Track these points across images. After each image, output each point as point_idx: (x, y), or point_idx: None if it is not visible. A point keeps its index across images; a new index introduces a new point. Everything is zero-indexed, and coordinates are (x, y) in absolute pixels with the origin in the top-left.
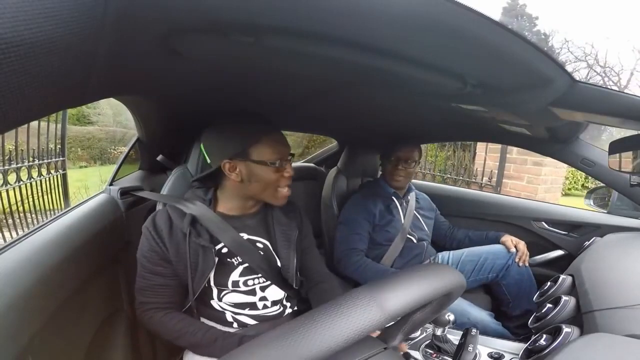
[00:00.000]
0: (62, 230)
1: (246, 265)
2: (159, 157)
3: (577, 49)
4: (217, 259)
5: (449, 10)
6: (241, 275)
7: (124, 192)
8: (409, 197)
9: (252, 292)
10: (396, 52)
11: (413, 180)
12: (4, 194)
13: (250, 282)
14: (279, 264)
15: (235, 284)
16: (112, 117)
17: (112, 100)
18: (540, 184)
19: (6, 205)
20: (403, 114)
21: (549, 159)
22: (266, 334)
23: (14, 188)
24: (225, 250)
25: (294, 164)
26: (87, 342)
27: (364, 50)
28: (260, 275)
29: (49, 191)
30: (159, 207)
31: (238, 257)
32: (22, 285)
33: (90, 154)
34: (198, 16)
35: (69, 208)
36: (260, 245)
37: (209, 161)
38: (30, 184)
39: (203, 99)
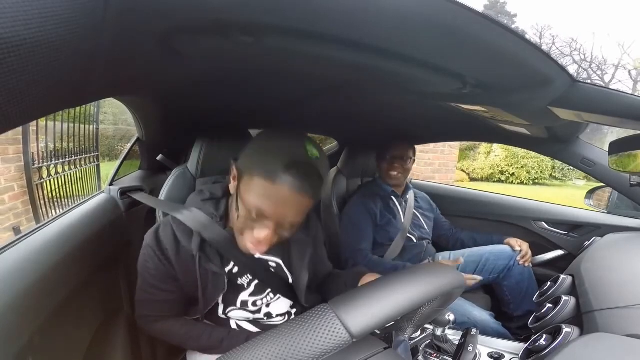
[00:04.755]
0: (62, 230)
1: (257, 282)
2: (159, 157)
3: (564, 44)
4: (227, 281)
5: (448, 9)
6: (251, 295)
7: (124, 192)
8: (407, 196)
9: (259, 311)
10: (395, 52)
11: (413, 180)
12: (59, 179)
13: (258, 302)
14: (290, 280)
15: (244, 303)
16: (118, 116)
17: (113, 100)
18: (425, 166)
19: (60, 187)
20: (403, 114)
21: (432, 147)
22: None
23: (63, 176)
24: (235, 270)
25: None
26: (88, 342)
27: (364, 50)
28: (269, 292)
29: (89, 176)
30: (158, 209)
31: (249, 275)
32: (22, 285)
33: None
34: (198, 16)
35: (69, 208)
36: (273, 264)
37: None
38: (75, 173)
39: (203, 99)
